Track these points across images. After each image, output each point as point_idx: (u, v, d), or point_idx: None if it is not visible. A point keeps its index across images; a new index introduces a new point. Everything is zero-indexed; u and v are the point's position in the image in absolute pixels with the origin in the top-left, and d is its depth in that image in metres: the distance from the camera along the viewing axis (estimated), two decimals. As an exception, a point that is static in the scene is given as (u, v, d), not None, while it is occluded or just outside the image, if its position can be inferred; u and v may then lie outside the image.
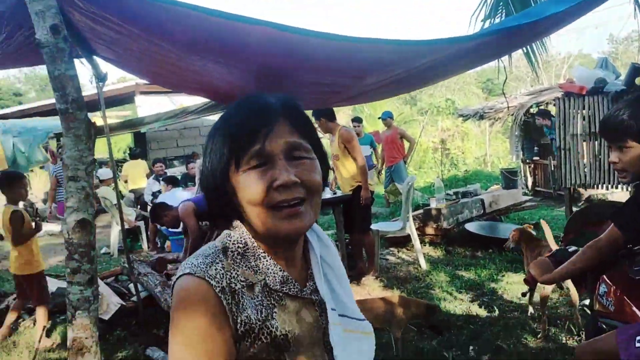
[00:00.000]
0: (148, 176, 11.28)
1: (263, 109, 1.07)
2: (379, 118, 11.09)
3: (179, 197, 8.17)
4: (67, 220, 2.34)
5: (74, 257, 2.33)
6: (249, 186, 1.02)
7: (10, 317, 4.94)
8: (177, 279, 1.03)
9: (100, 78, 4.44)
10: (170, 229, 7.72)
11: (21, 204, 5.13)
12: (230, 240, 1.09)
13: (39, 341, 4.71)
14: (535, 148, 12.12)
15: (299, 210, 1.02)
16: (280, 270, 1.08)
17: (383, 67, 3.31)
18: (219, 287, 0.99)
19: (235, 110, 1.09)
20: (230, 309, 0.99)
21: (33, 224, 4.91)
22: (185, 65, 3.43)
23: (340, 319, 1.10)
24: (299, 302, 1.09)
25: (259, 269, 1.06)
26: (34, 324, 5.01)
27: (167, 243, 8.56)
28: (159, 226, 8.45)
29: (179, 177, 10.41)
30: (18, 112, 13.33)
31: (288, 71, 3.28)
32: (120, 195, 5.89)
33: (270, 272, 1.07)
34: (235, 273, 1.03)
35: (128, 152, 13.30)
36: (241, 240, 1.08)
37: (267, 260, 1.08)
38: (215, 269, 1.01)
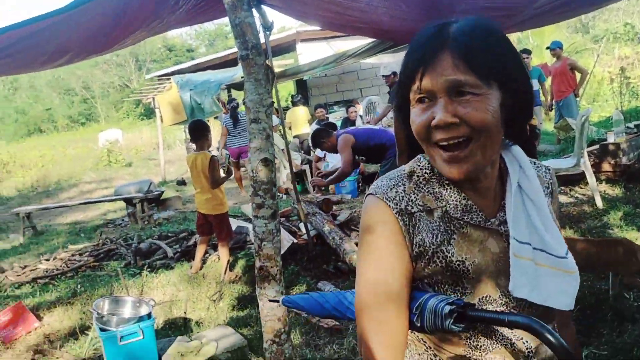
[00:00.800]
0: (310, 122, 11.69)
1: (426, 41, 1.02)
2: (547, 48, 10.26)
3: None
4: (251, 160, 2.53)
5: (258, 194, 2.53)
6: (414, 121, 1.04)
7: (199, 253, 5.49)
8: (365, 198, 1.13)
9: (267, 27, 4.60)
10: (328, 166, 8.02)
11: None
12: (418, 166, 1.12)
13: (224, 273, 5.21)
14: None
15: (458, 155, 0.99)
16: (464, 199, 1.08)
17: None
18: (396, 208, 1.05)
19: (411, 41, 1.07)
20: (408, 229, 1.05)
21: (222, 170, 5.37)
22: (350, 3, 3.43)
23: (534, 253, 1.05)
24: (485, 232, 1.07)
25: (441, 196, 1.08)
26: (219, 259, 5.53)
27: (331, 185, 8.87)
28: (322, 169, 8.79)
29: (340, 122, 10.66)
30: (193, 67, 14.44)
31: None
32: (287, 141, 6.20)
33: (452, 200, 1.07)
34: (415, 197, 1.08)
35: (290, 99, 13.84)
36: (428, 167, 1.11)
37: (450, 188, 1.09)
38: (396, 192, 1.08)
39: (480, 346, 1.05)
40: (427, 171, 1.11)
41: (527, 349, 1.06)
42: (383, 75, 9.02)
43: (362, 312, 1.06)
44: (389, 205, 1.06)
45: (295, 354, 3.28)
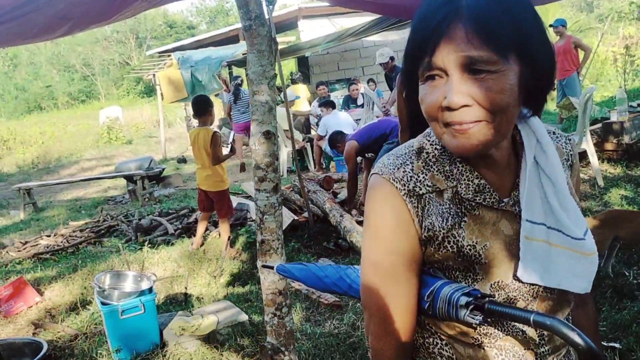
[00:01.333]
0: (310, 100, 11.64)
1: (436, 10, 0.89)
2: (550, 26, 10.15)
3: (341, 119, 8.39)
4: (253, 132, 2.51)
5: (260, 167, 2.51)
6: (423, 100, 0.94)
7: (201, 229, 5.49)
8: (370, 177, 1.06)
9: (270, 1, 4.55)
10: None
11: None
12: (428, 141, 1.04)
13: (225, 250, 5.22)
14: None
15: (466, 130, 0.89)
16: (477, 178, 0.99)
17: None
18: (404, 190, 0.99)
19: (419, 8, 0.95)
20: (416, 212, 0.99)
21: (224, 147, 5.35)
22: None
23: (548, 233, 0.98)
24: (498, 213, 1.00)
25: (452, 175, 1.00)
26: (219, 235, 5.53)
27: (332, 164, 8.88)
28: (323, 147, 8.78)
29: (341, 100, 10.61)
30: (194, 44, 14.33)
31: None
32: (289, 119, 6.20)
33: (464, 179, 1.00)
34: (423, 177, 1.00)
35: (289, 77, 13.80)
36: (439, 142, 1.01)
37: (462, 166, 1.00)
38: (403, 171, 1.00)
39: (490, 334, 1.00)
40: (438, 147, 1.02)
41: (538, 336, 1.02)
42: (380, 63, 8.85)
43: (368, 294, 1.03)
44: (396, 187, 0.99)
45: (295, 328, 3.30)
